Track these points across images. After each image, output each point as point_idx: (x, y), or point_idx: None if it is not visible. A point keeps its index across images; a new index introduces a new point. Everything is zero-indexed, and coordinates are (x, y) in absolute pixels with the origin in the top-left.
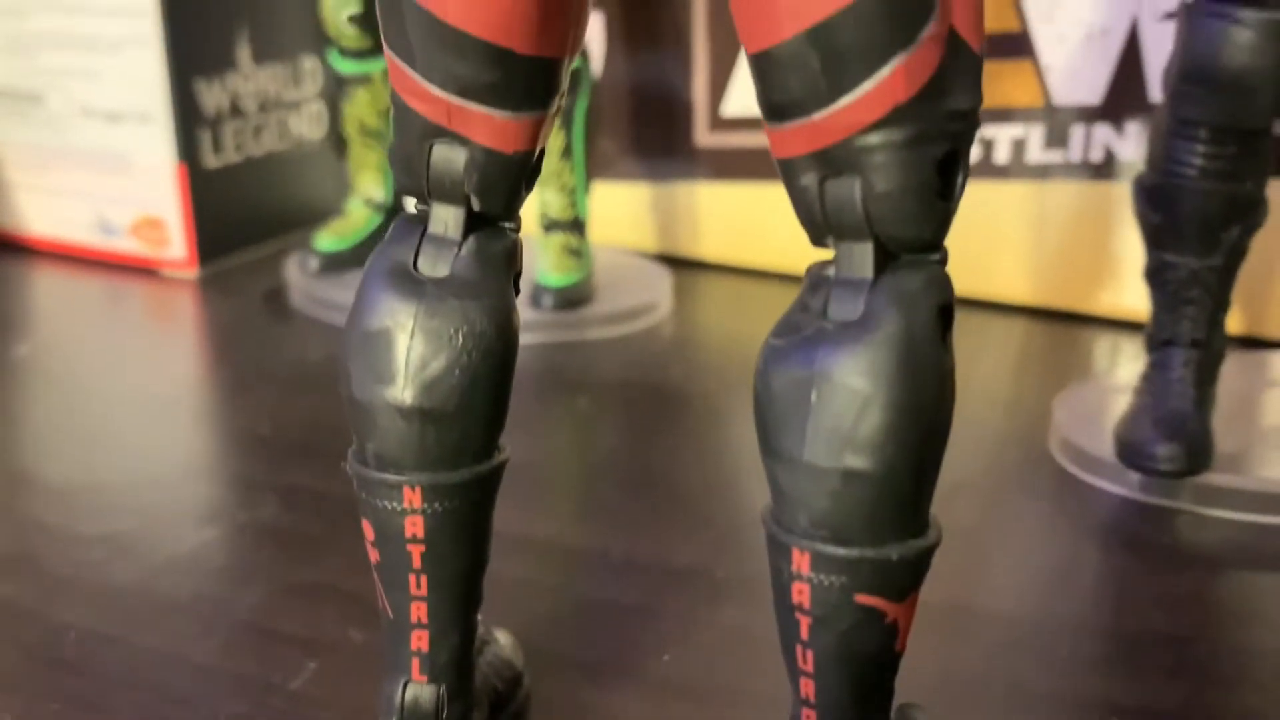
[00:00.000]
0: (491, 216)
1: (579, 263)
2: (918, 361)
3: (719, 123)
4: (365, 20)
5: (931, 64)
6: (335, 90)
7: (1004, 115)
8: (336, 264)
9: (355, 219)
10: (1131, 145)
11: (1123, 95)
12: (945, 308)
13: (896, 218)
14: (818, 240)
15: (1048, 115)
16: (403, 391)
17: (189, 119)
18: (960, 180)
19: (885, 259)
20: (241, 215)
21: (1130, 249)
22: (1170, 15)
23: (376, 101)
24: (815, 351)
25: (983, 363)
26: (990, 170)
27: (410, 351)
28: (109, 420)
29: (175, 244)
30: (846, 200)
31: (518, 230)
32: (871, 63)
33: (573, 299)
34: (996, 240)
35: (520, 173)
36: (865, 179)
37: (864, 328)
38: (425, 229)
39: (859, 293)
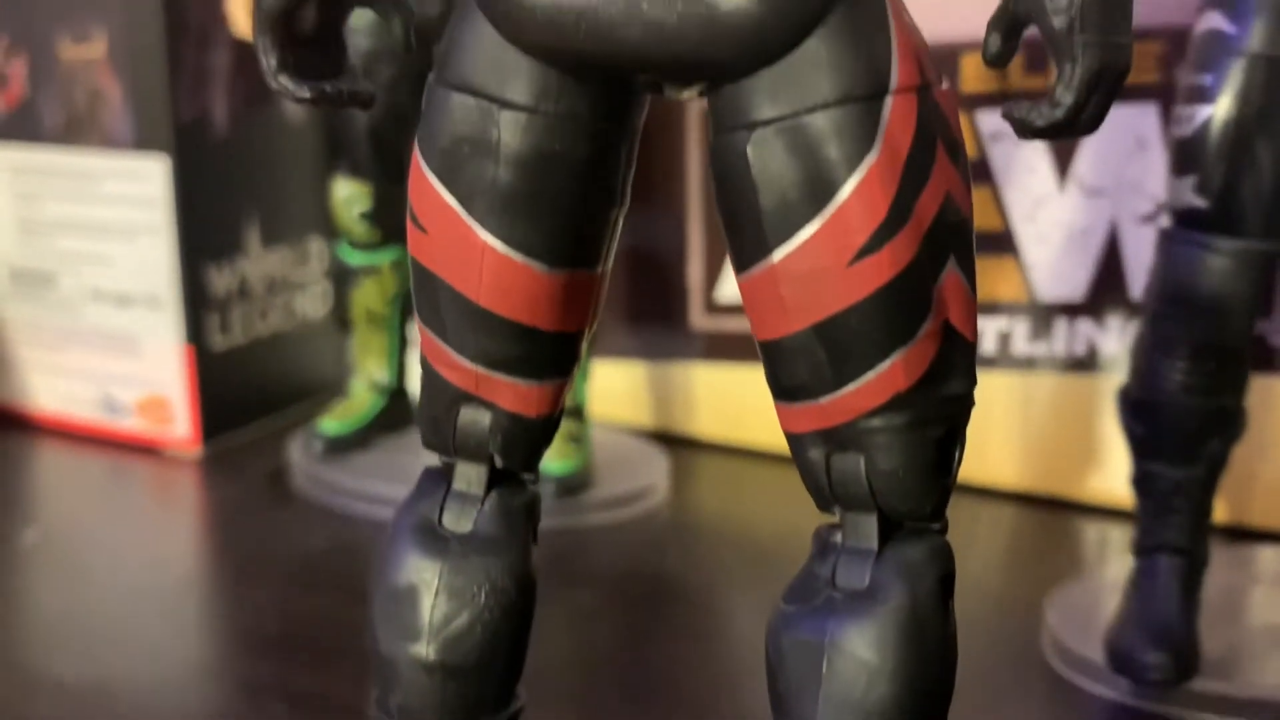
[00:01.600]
0: (513, 471)
1: (579, 449)
2: (923, 633)
3: (714, 307)
4: (375, 216)
5: (928, 356)
6: (341, 276)
7: (990, 308)
8: (341, 447)
9: (359, 402)
10: (1113, 339)
11: (1104, 292)
12: (947, 577)
13: (899, 493)
14: (824, 507)
15: (1032, 309)
16: (427, 648)
17: (198, 303)
18: (958, 456)
19: (889, 529)
20: (246, 394)
21: (1115, 439)
22: (1147, 218)
23: (384, 290)
24: (826, 622)
25: (974, 554)
26: (978, 360)
27: (434, 609)
28: (116, 614)
29: (179, 423)
30: (852, 476)
31: (536, 480)
32: (874, 356)
33: (573, 486)
34: (985, 427)
35: (542, 433)
36: (869, 457)
37: (872, 599)
38: (450, 484)
39: (865, 562)
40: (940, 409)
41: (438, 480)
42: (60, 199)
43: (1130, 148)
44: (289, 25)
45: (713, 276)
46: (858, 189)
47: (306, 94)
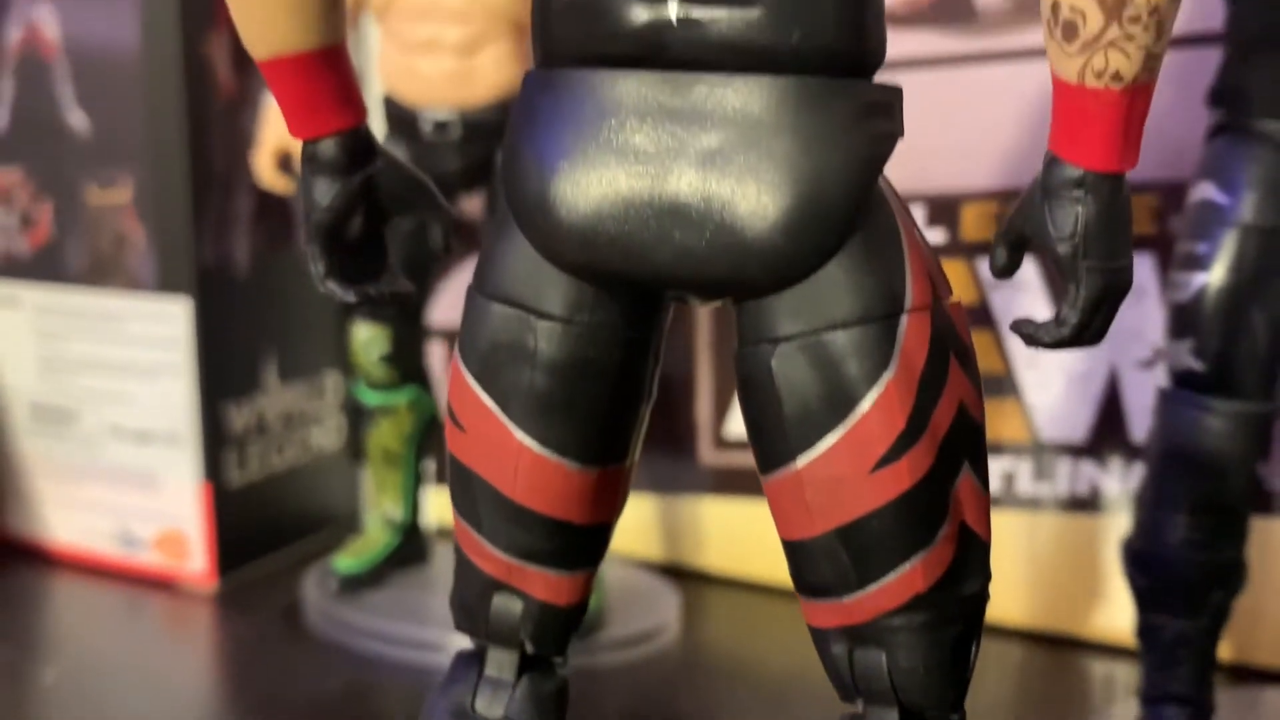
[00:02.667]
0: (544, 656)
1: (595, 591)
2: None
3: (723, 442)
4: (394, 358)
5: (946, 559)
6: (357, 416)
7: (994, 449)
8: (355, 585)
9: (374, 539)
10: (1115, 481)
11: (1105, 434)
12: None
13: (920, 689)
14: (846, 698)
15: (1035, 451)
16: None
17: (216, 440)
18: (975, 650)
19: None
20: (262, 528)
21: (1119, 578)
22: (1146, 363)
23: (400, 429)
24: None
25: (982, 693)
26: None
27: None
28: None
29: (196, 558)
30: (875, 671)
31: (565, 662)
32: (894, 559)
33: (587, 627)
34: (992, 566)
35: (573, 619)
36: (891, 654)
37: None
38: (482, 669)
39: None
40: (958, 608)
41: (470, 664)
42: (83, 338)
43: (1128, 297)
44: (337, 234)
45: (722, 411)
46: (877, 403)
47: (352, 297)
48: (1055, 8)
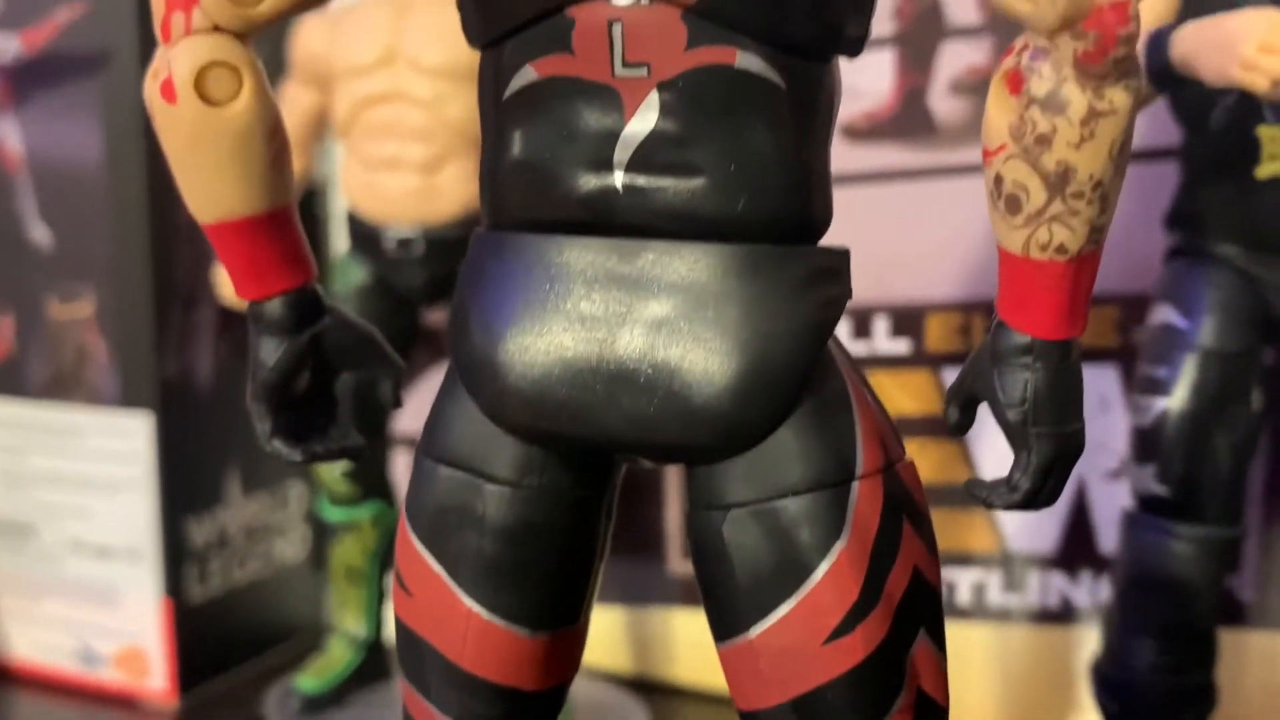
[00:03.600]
0: None
1: (563, 712)
2: None
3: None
4: (357, 474)
5: None
6: (320, 532)
7: (964, 560)
8: (318, 705)
9: (336, 658)
10: (1084, 593)
11: (1074, 545)
12: None
13: None
14: None
15: (1004, 562)
16: None
17: (177, 555)
18: None
19: None
20: (223, 643)
21: (1090, 691)
22: (1113, 474)
23: (364, 545)
24: None
25: None
26: (954, 611)
27: None
28: None
29: (156, 675)
30: None
31: None
32: None
33: None
34: (964, 678)
35: None
36: None
37: None
38: None
39: None
40: None
41: None
42: (44, 453)
43: (1094, 408)
44: (284, 392)
45: None
46: (829, 573)
47: (299, 457)
48: (998, 181)
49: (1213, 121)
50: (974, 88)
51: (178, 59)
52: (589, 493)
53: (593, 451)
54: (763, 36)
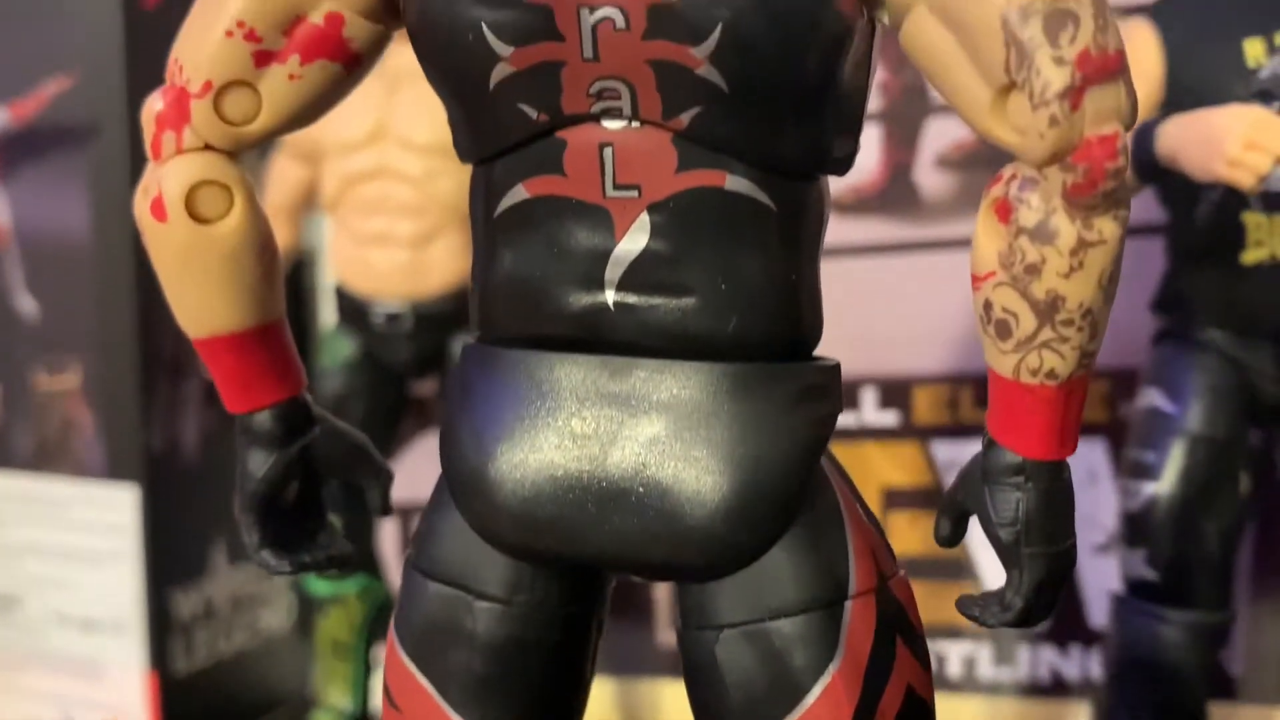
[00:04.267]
0: None
1: None
2: None
3: None
4: None
5: None
6: (306, 601)
7: (954, 634)
8: None
9: None
10: (1075, 666)
11: (1064, 619)
12: None
13: None
14: None
15: (995, 635)
16: None
17: (161, 627)
18: None
19: None
20: (209, 716)
21: None
22: (1102, 548)
23: (350, 619)
24: None
25: None
26: (944, 685)
27: None
28: None
29: None
30: None
31: None
32: None
33: None
34: None
35: None
36: None
37: None
38: None
39: None
40: None
41: None
42: (28, 524)
43: (1083, 481)
44: (272, 504)
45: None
46: (823, 695)
47: (288, 569)
48: (988, 307)
49: (1199, 209)
50: (959, 163)
51: (168, 178)
52: (580, 608)
53: (583, 568)
54: (752, 160)
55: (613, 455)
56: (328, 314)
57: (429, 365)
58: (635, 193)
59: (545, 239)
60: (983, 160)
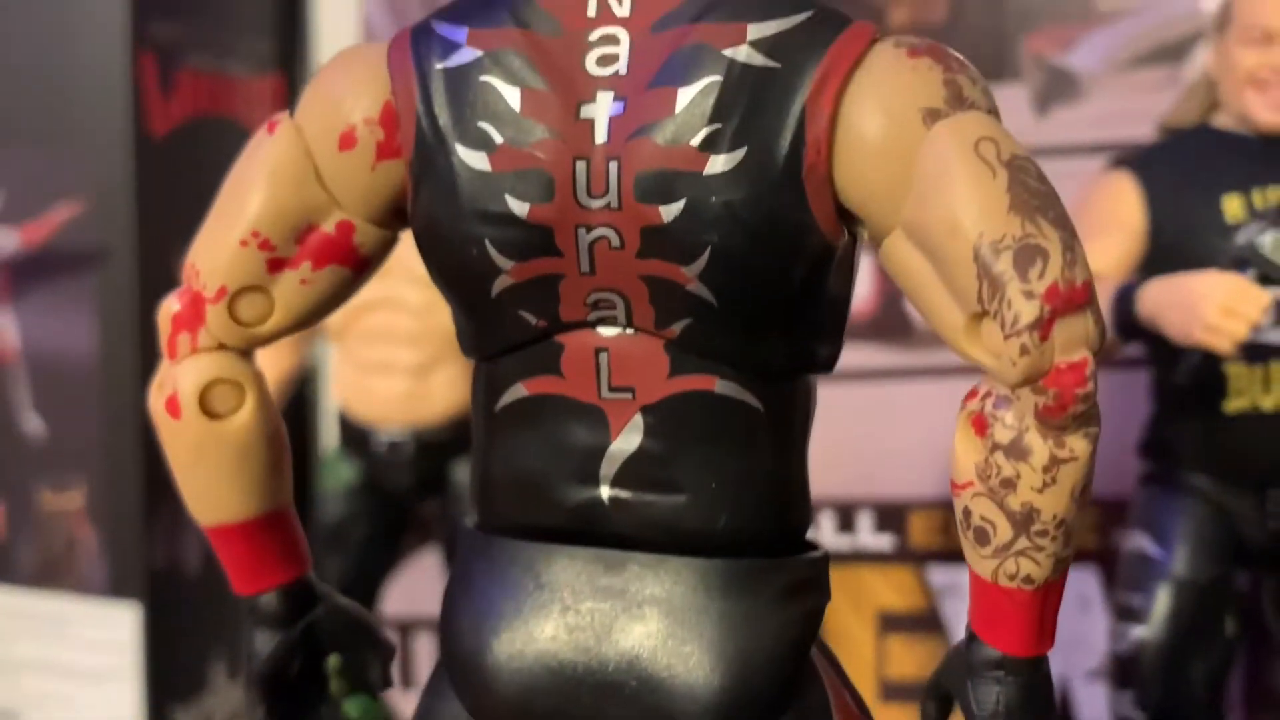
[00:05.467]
0: None
1: None
2: None
3: None
4: (344, 668)
5: None
6: None
7: None
8: None
9: None
10: None
11: None
12: None
13: None
14: None
15: None
16: None
17: None
18: None
19: None
20: None
21: None
22: (1094, 673)
23: None
24: None
25: None
26: None
27: None
28: None
29: None
30: None
31: None
32: None
33: None
34: None
35: None
36: None
37: None
38: None
39: None
40: None
41: None
42: (30, 640)
43: (1075, 607)
44: (278, 681)
45: None
46: None
47: None
48: (966, 514)
49: (1182, 359)
50: None
51: (183, 377)
52: None
53: None
54: (740, 365)
55: (607, 648)
56: (330, 439)
57: (430, 490)
58: (629, 395)
59: (544, 435)
60: None
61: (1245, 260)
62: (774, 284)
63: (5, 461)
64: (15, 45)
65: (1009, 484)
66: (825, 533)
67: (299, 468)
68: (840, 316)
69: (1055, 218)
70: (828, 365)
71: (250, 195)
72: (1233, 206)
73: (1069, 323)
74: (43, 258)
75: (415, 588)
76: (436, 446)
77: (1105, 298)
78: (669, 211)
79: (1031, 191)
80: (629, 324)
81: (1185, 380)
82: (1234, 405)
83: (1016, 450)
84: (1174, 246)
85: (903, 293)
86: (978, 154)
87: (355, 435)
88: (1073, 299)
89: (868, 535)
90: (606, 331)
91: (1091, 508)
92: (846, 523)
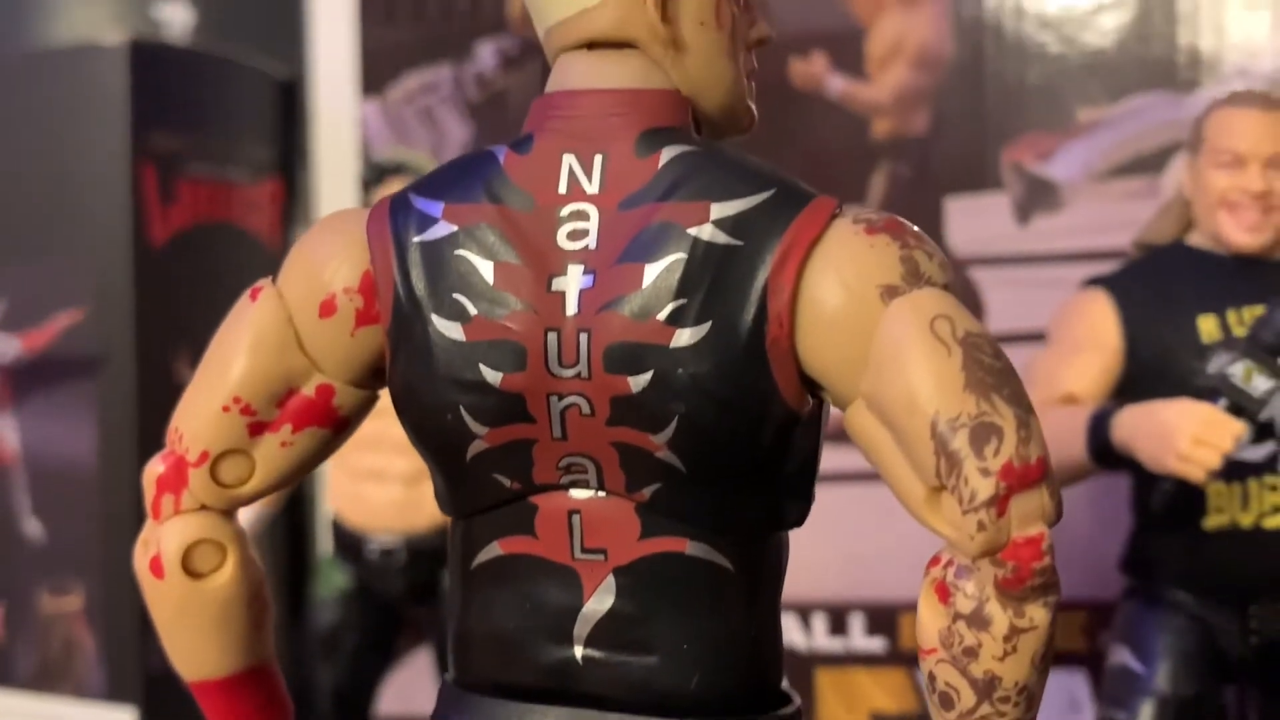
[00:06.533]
0: None
1: None
2: None
3: None
4: None
5: None
6: None
7: None
8: None
9: None
10: None
11: None
12: None
13: None
14: None
15: None
16: None
17: None
18: None
19: None
20: None
21: None
22: None
23: None
24: None
25: None
26: None
27: None
28: None
29: None
30: None
31: None
32: None
33: None
34: None
35: None
36: None
37: None
38: None
39: None
40: None
41: None
42: None
43: (1064, 708)
44: None
45: None
46: None
47: None
48: (931, 679)
49: (1161, 479)
50: None
51: (166, 538)
52: None
53: None
54: (711, 527)
55: None
56: (324, 544)
57: (422, 596)
58: (602, 556)
59: (518, 594)
60: None
61: (1217, 390)
62: (741, 450)
63: (5, 564)
64: (17, 156)
65: (971, 652)
66: (818, 634)
67: (295, 572)
68: (809, 474)
69: (1009, 395)
70: (798, 521)
71: (233, 362)
72: (1208, 326)
73: (1024, 499)
74: (43, 364)
75: (409, 687)
76: (428, 553)
77: (1081, 421)
78: (637, 382)
79: (986, 369)
80: (601, 487)
81: (1164, 498)
82: (1213, 522)
83: (978, 620)
84: (1151, 367)
85: (867, 460)
86: (933, 332)
87: (348, 542)
88: (1027, 476)
89: (860, 637)
90: (579, 494)
91: (1078, 611)
92: (839, 625)
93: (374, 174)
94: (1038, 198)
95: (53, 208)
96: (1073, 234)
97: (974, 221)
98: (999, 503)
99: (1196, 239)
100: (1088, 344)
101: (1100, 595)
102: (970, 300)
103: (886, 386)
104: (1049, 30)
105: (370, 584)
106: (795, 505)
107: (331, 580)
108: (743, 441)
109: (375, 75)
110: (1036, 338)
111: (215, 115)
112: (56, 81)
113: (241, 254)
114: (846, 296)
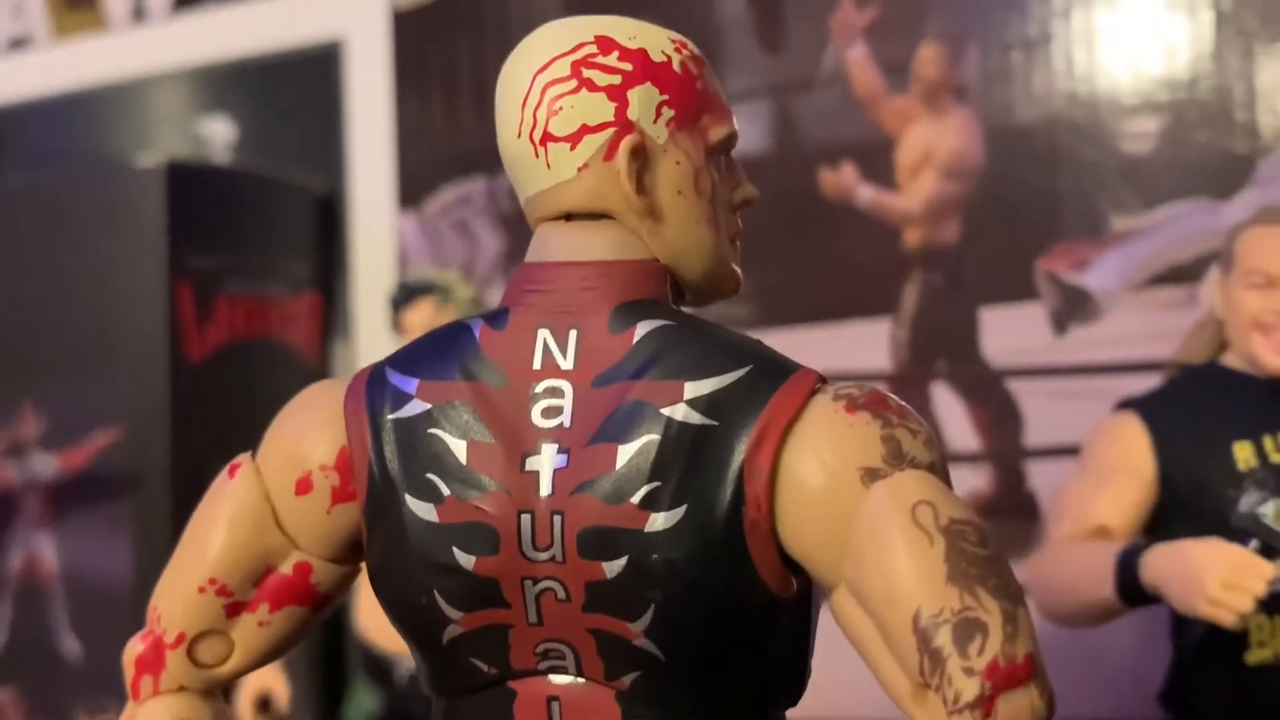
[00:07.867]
0: None
1: None
2: None
3: None
4: None
5: None
6: None
7: None
8: None
9: None
10: None
11: None
12: None
13: None
14: None
15: None
16: None
17: None
18: None
19: None
20: None
21: None
22: None
23: None
24: None
25: None
26: None
27: None
28: None
29: None
30: None
31: None
32: None
33: None
34: None
35: None
36: None
37: None
38: None
39: None
40: None
41: None
42: None
43: None
44: None
45: None
46: None
47: None
48: None
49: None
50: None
51: None
52: None
53: None
54: (694, 714)
55: None
56: (356, 669)
57: None
58: None
59: None
60: None
61: (1247, 531)
62: (723, 638)
63: (43, 683)
64: (56, 275)
65: None
66: None
67: (330, 694)
68: (801, 656)
69: (996, 587)
70: (790, 704)
71: (210, 541)
72: (1244, 453)
73: (1012, 698)
74: (81, 482)
75: None
76: None
77: (1111, 556)
78: (611, 568)
79: (970, 559)
80: (580, 673)
81: (1204, 632)
82: (1255, 657)
83: None
84: (1185, 496)
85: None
86: (914, 519)
87: (377, 666)
88: (1014, 675)
89: None
90: (558, 680)
91: None
92: None
93: (403, 294)
94: (1074, 308)
95: (91, 327)
96: (1111, 345)
97: (1009, 332)
98: (985, 704)
99: (1231, 359)
100: (1120, 472)
101: (1142, 716)
102: (1010, 414)
103: (866, 576)
104: (1080, 136)
105: (399, 708)
106: (786, 689)
107: (361, 704)
108: (724, 629)
109: (412, 189)
110: (1075, 451)
111: (254, 232)
112: (96, 201)
113: (280, 369)
114: (826, 478)
